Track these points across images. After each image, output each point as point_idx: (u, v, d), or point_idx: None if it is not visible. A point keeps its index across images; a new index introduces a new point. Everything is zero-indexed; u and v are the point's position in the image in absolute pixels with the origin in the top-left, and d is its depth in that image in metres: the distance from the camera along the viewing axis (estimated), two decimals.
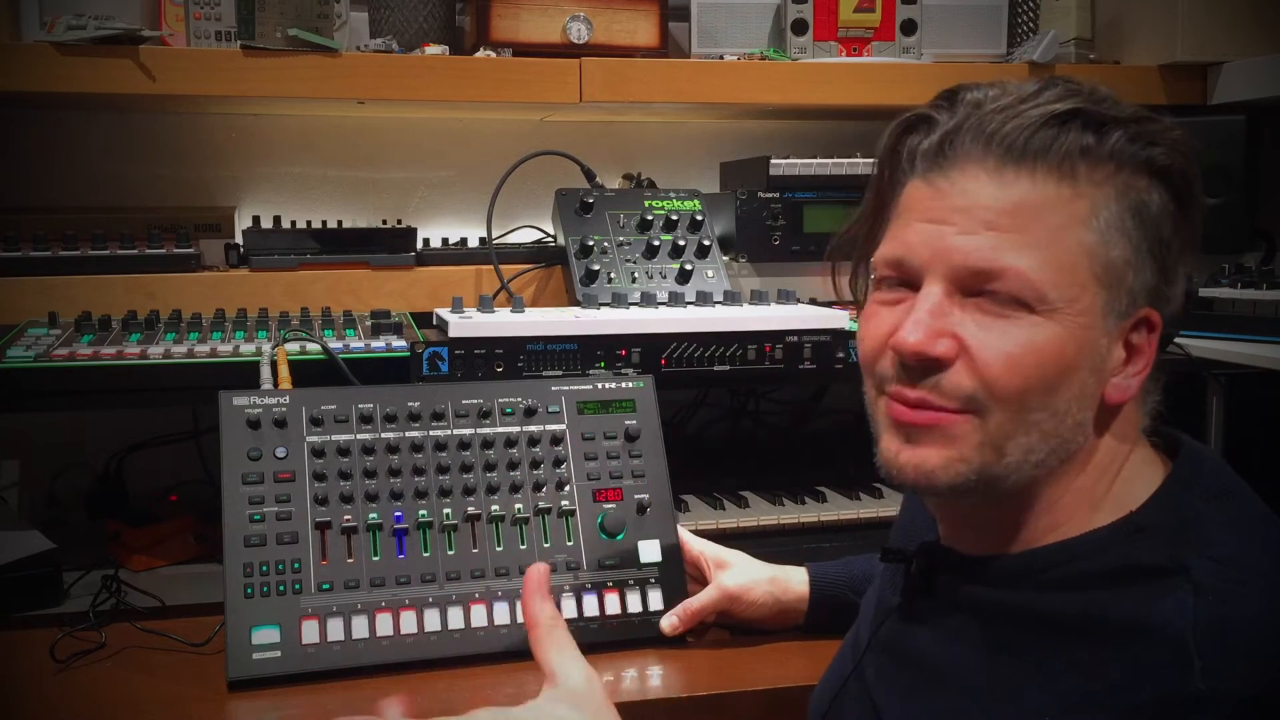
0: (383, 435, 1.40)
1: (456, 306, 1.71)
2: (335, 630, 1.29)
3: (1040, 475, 0.91)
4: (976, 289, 0.88)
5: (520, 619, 1.33)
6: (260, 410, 1.38)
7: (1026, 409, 0.88)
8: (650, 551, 1.41)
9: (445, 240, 2.06)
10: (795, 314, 1.71)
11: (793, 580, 1.39)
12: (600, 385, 1.50)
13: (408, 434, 1.41)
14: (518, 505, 1.40)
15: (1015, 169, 0.88)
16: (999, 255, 0.87)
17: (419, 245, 1.98)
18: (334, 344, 1.57)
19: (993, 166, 0.89)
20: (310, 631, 1.29)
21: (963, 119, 0.91)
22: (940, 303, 0.89)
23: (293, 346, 1.55)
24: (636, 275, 1.86)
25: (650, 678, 1.31)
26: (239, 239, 2.00)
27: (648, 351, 1.64)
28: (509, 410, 1.46)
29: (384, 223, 2.11)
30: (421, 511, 1.38)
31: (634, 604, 1.38)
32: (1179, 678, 0.80)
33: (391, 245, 1.94)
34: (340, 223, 2.06)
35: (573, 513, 1.42)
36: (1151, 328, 0.92)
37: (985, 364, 0.88)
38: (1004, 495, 0.92)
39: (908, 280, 0.93)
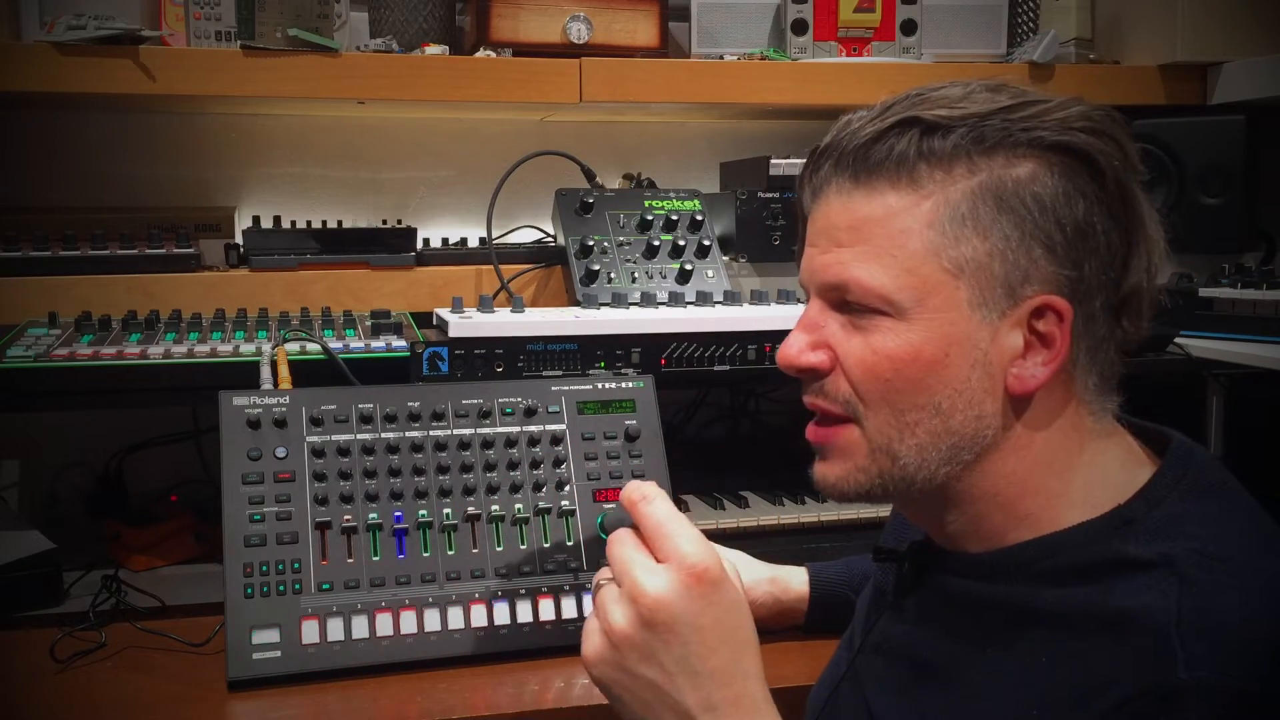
0: (383, 435, 1.40)
1: (456, 306, 1.71)
2: (335, 630, 1.29)
3: (960, 471, 0.93)
4: (839, 302, 0.95)
5: (521, 619, 1.34)
6: (260, 410, 1.38)
7: (899, 410, 0.92)
8: None
9: (445, 240, 2.06)
10: (795, 314, 1.69)
11: (793, 580, 1.39)
12: (600, 385, 1.50)
13: (408, 434, 1.41)
14: (518, 505, 1.40)
15: (855, 185, 0.93)
16: (844, 269, 0.93)
17: (419, 245, 1.98)
18: (334, 344, 1.57)
19: (843, 187, 0.94)
20: (310, 631, 1.29)
21: (825, 144, 0.96)
22: (813, 317, 0.97)
23: (293, 346, 1.55)
24: (636, 275, 1.86)
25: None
26: (239, 239, 2.00)
27: (648, 351, 1.64)
28: (509, 410, 1.46)
29: (384, 223, 2.11)
30: (421, 511, 1.38)
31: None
32: (1162, 669, 0.80)
33: (391, 245, 1.94)
34: (340, 223, 2.06)
35: (573, 513, 1.42)
36: (1059, 314, 0.90)
37: (849, 369, 0.94)
38: (938, 495, 0.94)
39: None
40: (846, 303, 0.94)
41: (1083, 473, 0.94)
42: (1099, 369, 0.94)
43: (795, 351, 0.97)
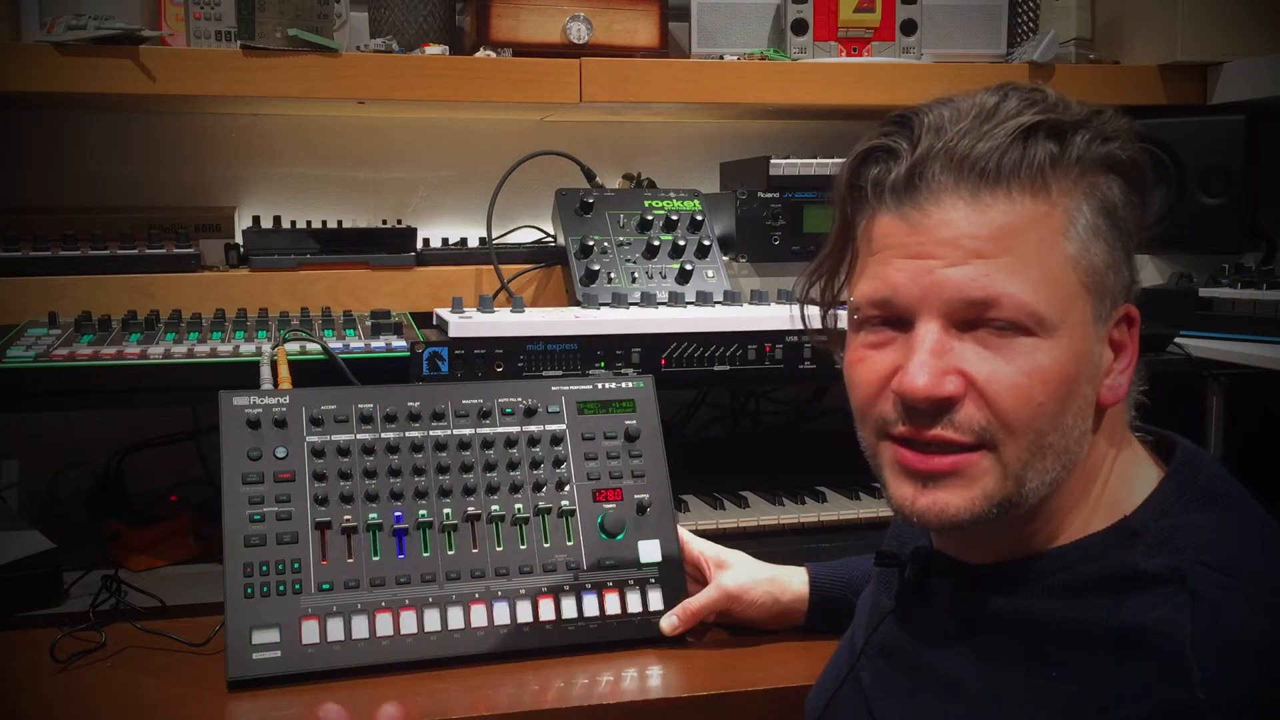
0: (383, 435, 1.40)
1: (456, 306, 1.71)
2: (335, 630, 1.29)
3: (1052, 490, 0.91)
4: (973, 320, 0.87)
5: (520, 619, 1.34)
6: (260, 410, 1.38)
7: (1041, 434, 0.87)
8: (650, 551, 1.41)
9: (445, 240, 2.06)
10: (795, 314, 1.71)
11: (792, 580, 1.39)
12: (600, 385, 1.50)
13: (408, 434, 1.41)
14: (518, 505, 1.40)
15: (991, 192, 0.86)
16: (993, 283, 0.86)
17: (419, 245, 1.98)
18: (334, 344, 1.57)
19: (968, 192, 0.87)
20: (310, 631, 1.29)
21: (928, 147, 0.88)
22: (940, 340, 0.87)
23: (293, 346, 1.55)
24: (636, 275, 1.86)
25: (650, 678, 1.31)
26: (239, 239, 2.00)
27: (648, 351, 1.64)
28: (509, 410, 1.46)
29: (384, 223, 2.11)
30: (421, 511, 1.38)
31: (634, 604, 1.38)
32: (1178, 688, 0.79)
33: (391, 245, 1.94)
34: (340, 223, 2.06)
35: (573, 513, 1.42)
36: (1131, 322, 0.92)
37: (995, 396, 0.86)
38: (1018, 515, 0.92)
39: (894, 319, 0.91)
40: (982, 321, 0.87)
41: (1112, 481, 0.94)
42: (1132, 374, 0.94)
43: (931, 381, 0.86)
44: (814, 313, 1.04)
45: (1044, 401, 0.86)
